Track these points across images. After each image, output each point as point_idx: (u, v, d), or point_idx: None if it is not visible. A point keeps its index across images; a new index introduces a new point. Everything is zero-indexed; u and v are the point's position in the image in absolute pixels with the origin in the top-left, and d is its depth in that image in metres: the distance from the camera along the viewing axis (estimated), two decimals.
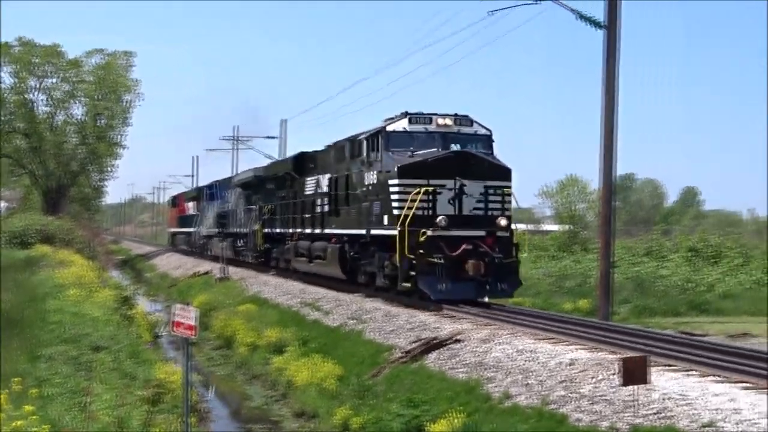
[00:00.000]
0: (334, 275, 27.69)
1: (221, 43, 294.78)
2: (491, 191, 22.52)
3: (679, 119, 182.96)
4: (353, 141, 26.11)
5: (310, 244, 30.25)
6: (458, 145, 23.13)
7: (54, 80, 62.98)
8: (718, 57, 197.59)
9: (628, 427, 11.48)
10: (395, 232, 21.83)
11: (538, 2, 24.95)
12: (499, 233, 22.37)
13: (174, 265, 56.90)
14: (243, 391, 20.71)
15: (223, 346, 25.90)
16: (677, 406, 11.67)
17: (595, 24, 24.23)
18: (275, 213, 36.38)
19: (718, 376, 13.04)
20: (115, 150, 64.70)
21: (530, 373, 14.68)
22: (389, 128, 23.48)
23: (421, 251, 21.57)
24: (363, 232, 24.55)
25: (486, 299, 22.54)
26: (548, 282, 34.79)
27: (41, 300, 22.06)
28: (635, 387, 12.52)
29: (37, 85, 62.73)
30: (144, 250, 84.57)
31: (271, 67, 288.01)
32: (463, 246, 21.69)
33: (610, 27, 24.08)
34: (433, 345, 17.72)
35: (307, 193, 31.25)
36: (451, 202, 22.17)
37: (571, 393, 13.25)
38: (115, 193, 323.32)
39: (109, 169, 66.53)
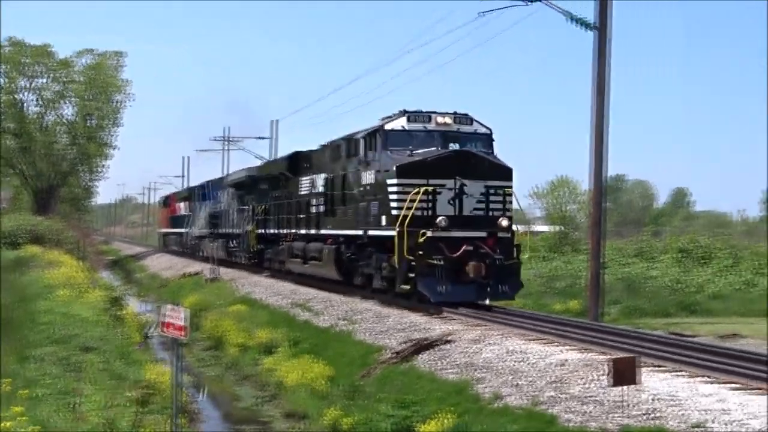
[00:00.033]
0: (330, 277, 27.32)
1: (214, 43, 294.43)
2: (492, 191, 22.16)
3: (670, 120, 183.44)
4: (350, 140, 25.70)
5: (305, 245, 29.85)
6: (458, 144, 22.75)
7: (44, 80, 62.98)
8: (710, 57, 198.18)
9: (617, 427, 11.50)
10: (394, 233, 21.47)
11: (529, 3, 24.96)
12: (501, 234, 22.01)
13: (164, 265, 56.77)
14: (233, 392, 20.67)
15: (214, 346, 25.84)
16: (667, 406, 11.70)
17: (586, 25, 24.24)
18: (269, 213, 35.98)
19: (708, 376, 13.09)
20: (105, 150, 64.67)
21: (520, 374, 14.70)
22: (387, 127, 23.11)
23: (420, 252, 21.16)
24: (360, 232, 24.17)
25: (487, 302, 22.20)
26: (539, 283, 34.79)
27: (31, 301, 22.01)
28: (625, 388, 12.55)
29: (28, 85, 62.68)
30: (134, 251, 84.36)
31: (264, 68, 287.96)
32: (464, 247, 21.31)
33: (601, 28, 24.09)
34: (424, 346, 17.72)
35: (302, 193, 30.87)
36: (451, 202, 21.81)
37: (561, 393, 13.27)
38: (105, 193, 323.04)
39: (99, 169, 66.54)
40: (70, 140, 63.77)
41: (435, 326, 19.47)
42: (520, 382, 14.32)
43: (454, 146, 22.69)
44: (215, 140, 76.11)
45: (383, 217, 22.57)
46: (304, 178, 30.89)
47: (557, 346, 16.30)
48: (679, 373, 13.37)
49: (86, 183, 68.63)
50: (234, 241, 43.53)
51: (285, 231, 32.91)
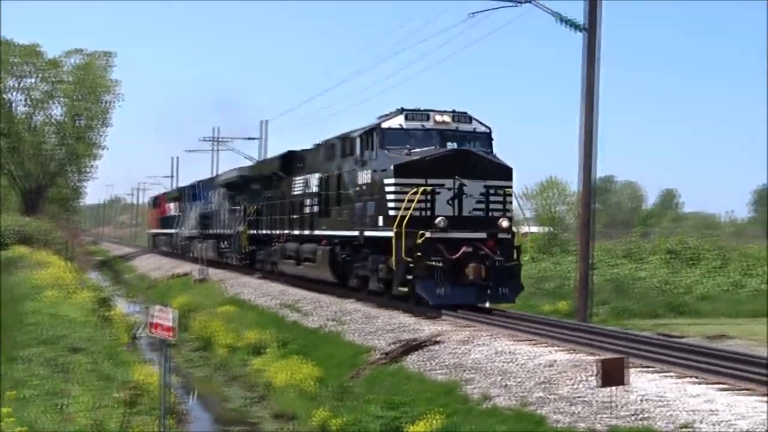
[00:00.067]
0: (324, 278, 26.88)
1: (203, 43, 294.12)
2: (492, 191, 21.74)
3: (659, 122, 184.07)
4: (345, 139, 25.22)
5: (298, 246, 29.42)
6: (456, 143, 22.36)
7: (33, 80, 62.80)
8: (700, 59, 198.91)
9: (606, 428, 11.52)
10: (391, 234, 20.97)
11: (519, 4, 24.97)
12: (501, 235, 21.55)
13: (153, 266, 56.63)
14: (222, 392, 20.63)
15: (202, 347, 25.78)
16: (655, 407, 11.73)
17: (575, 26, 24.27)
18: (261, 214, 35.50)
19: (696, 377, 13.13)
20: (94, 151, 64.53)
21: (509, 375, 14.71)
22: (384, 125, 22.64)
23: (418, 254, 20.61)
24: (356, 233, 23.72)
25: (487, 304, 21.76)
26: (528, 284, 34.79)
27: (19, 301, 21.92)
28: (613, 388, 12.58)
29: (16, 85, 62.48)
30: (123, 252, 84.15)
31: (254, 68, 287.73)
32: (463, 248, 20.82)
33: (591, 29, 24.13)
34: (413, 346, 17.72)
35: (296, 193, 30.43)
36: (450, 202, 21.39)
37: (549, 394, 13.28)
38: (94, 194, 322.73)
39: (87, 169, 66.43)
40: (58, 140, 63.59)
41: (424, 327, 19.46)
42: (508, 383, 14.33)
43: (452, 145, 22.29)
44: (204, 141, 76.20)
45: (380, 218, 22.15)
46: (298, 178, 30.46)
47: (546, 347, 16.32)
48: (667, 374, 13.40)
49: (75, 183, 68.49)
50: (225, 242, 43.10)
51: (278, 232, 32.43)
